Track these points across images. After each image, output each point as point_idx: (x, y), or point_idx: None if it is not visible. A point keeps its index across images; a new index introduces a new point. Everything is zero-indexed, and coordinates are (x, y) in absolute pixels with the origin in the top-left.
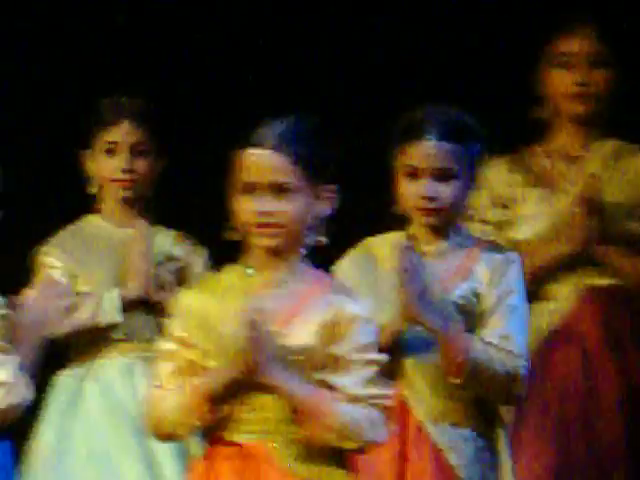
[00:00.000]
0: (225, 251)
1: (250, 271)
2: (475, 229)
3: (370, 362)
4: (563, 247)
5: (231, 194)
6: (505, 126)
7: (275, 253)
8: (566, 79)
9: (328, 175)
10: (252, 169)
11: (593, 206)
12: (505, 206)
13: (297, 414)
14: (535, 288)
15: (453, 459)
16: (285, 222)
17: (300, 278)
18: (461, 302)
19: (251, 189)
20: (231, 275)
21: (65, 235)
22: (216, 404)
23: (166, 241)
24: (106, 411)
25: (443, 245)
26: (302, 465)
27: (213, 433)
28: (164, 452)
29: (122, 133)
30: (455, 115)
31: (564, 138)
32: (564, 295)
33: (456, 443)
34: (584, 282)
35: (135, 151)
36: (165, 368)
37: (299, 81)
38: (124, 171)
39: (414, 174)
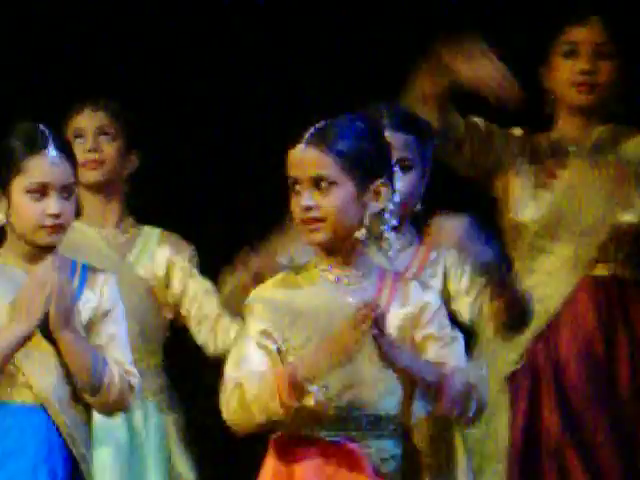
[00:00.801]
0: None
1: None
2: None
3: (455, 338)
4: None
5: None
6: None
7: (327, 249)
8: (572, 68)
9: (376, 170)
10: (293, 165)
11: None
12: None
13: (426, 392)
14: None
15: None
16: (326, 215)
17: (366, 273)
18: None
19: (295, 185)
20: (301, 277)
21: None
22: (301, 391)
23: (150, 241)
24: None
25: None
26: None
27: (294, 433)
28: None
29: (85, 118)
30: (407, 109)
31: (565, 130)
32: (561, 284)
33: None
34: (582, 272)
35: (100, 134)
36: (246, 356)
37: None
38: (89, 151)
39: None
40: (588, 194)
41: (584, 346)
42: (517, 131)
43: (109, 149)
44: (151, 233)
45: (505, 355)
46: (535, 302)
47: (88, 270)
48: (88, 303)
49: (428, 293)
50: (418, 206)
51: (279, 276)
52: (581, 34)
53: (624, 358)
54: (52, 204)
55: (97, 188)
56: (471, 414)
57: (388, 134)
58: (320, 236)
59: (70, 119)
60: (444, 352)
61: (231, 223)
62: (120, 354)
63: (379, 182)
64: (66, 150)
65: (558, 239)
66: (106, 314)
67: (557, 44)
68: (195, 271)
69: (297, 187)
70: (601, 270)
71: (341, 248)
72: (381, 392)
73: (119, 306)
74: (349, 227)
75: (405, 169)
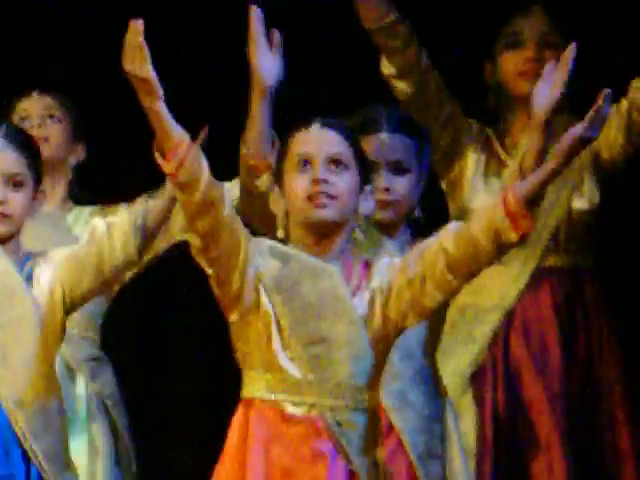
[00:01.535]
0: None
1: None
2: None
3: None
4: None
5: (275, 185)
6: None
7: (324, 233)
8: (517, 57)
9: (370, 175)
10: (307, 142)
11: None
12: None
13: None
14: None
15: (398, 422)
16: (337, 194)
17: (338, 262)
18: None
19: (306, 163)
20: None
21: None
22: None
23: (83, 212)
24: None
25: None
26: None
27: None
28: None
29: (32, 101)
30: (405, 113)
31: (512, 122)
32: (515, 276)
33: (401, 407)
34: (535, 262)
35: (47, 116)
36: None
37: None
38: (33, 127)
39: None
40: None
41: (538, 341)
42: (473, 122)
43: (54, 128)
44: (85, 207)
45: (464, 354)
46: (491, 294)
47: (32, 259)
48: (37, 290)
49: (392, 259)
50: (416, 212)
51: None
52: (525, 24)
53: (581, 350)
54: None
55: None
56: None
57: (386, 136)
58: (328, 213)
59: (17, 103)
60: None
61: None
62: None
63: (371, 187)
64: (18, 140)
65: None
66: (59, 266)
67: (501, 36)
68: None
69: (306, 166)
70: (555, 260)
71: (332, 236)
72: (350, 354)
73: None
74: (347, 216)
75: (402, 171)
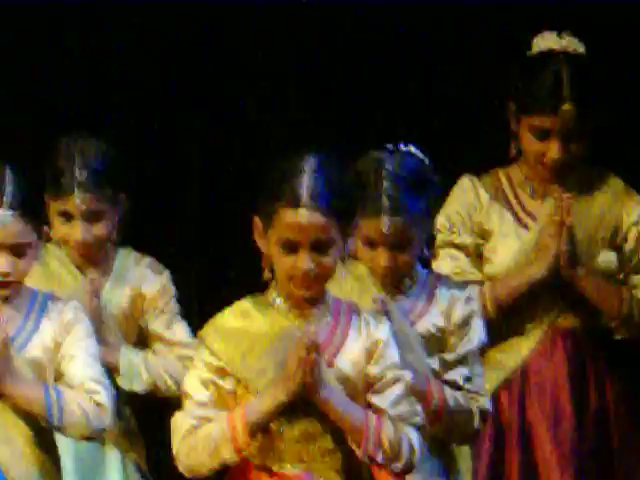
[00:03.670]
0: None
1: (279, 300)
2: (443, 254)
3: (397, 379)
4: (533, 270)
5: (264, 243)
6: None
7: (310, 300)
8: (542, 148)
9: (355, 212)
10: (294, 228)
11: (564, 228)
12: (482, 237)
13: (350, 434)
14: (500, 317)
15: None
16: (325, 274)
17: (327, 310)
18: (426, 335)
19: (293, 246)
20: (258, 307)
21: None
22: (256, 433)
23: (125, 264)
24: None
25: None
26: None
27: (250, 462)
28: None
29: (75, 201)
30: (413, 166)
31: (532, 175)
32: (531, 335)
33: None
34: (550, 323)
35: (90, 217)
36: (198, 398)
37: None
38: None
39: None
40: None
41: (552, 402)
42: (464, 184)
43: (101, 230)
44: (126, 256)
45: None
46: (500, 351)
47: (50, 300)
48: (45, 332)
49: (379, 328)
50: (425, 252)
51: (236, 304)
52: (554, 122)
53: (592, 414)
54: None
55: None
56: (400, 464)
57: (387, 219)
58: (313, 292)
59: (56, 197)
60: (383, 394)
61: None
62: (80, 374)
63: (355, 223)
64: (24, 208)
65: None
66: (65, 338)
67: (528, 123)
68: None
69: (291, 248)
70: (570, 321)
71: (319, 296)
72: (332, 423)
73: (80, 325)
74: (330, 278)
75: (404, 247)
